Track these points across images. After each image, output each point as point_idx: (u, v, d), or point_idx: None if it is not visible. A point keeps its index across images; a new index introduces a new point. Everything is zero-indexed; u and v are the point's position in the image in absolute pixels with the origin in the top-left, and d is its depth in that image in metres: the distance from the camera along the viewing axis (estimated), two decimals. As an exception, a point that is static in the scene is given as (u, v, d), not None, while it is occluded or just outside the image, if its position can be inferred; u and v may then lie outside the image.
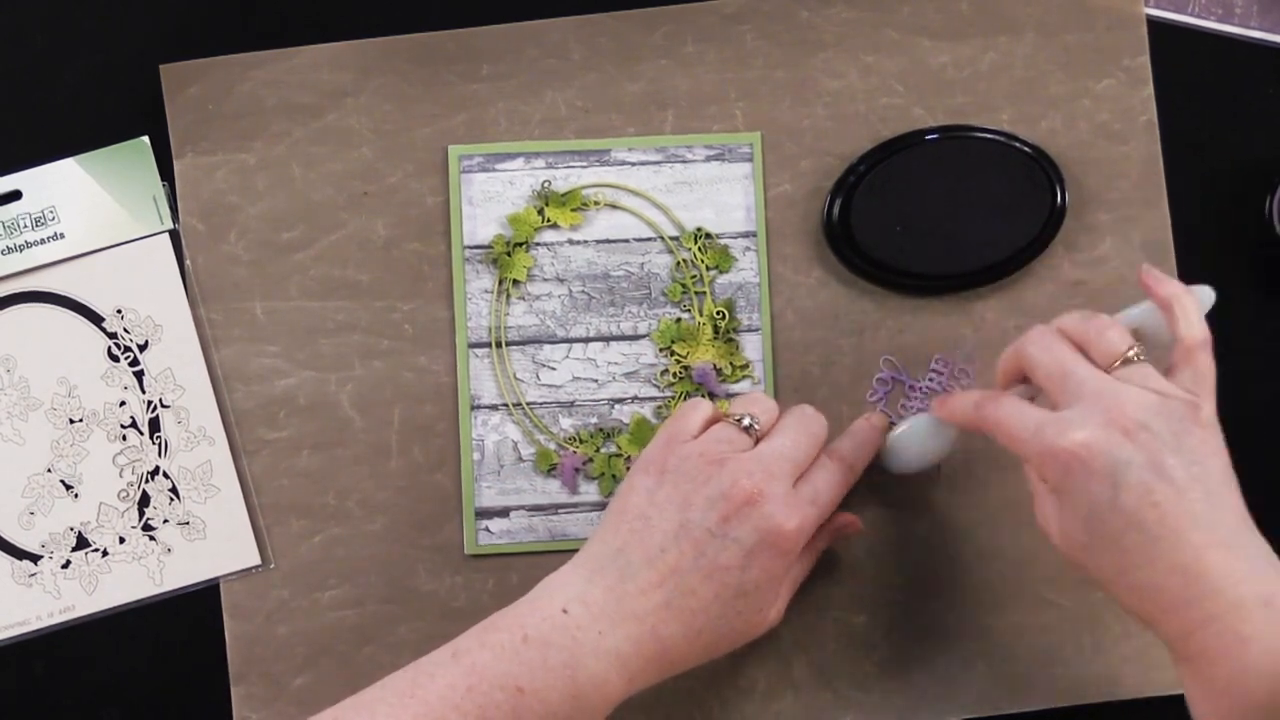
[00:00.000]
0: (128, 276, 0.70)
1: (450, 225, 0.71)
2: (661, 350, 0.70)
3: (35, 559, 0.69)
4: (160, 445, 0.70)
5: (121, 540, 0.70)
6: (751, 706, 0.69)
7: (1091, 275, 0.71)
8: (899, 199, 0.67)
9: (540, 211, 0.71)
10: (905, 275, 0.69)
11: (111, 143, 0.71)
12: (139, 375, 0.70)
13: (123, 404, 0.70)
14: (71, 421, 0.70)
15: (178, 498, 0.70)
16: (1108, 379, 0.56)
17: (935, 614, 0.69)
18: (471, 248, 0.71)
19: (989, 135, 0.70)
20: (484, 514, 0.70)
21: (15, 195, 0.70)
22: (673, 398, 0.70)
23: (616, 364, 0.70)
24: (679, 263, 0.71)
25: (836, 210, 0.69)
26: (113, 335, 0.70)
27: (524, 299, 0.71)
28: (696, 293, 0.71)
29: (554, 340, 0.70)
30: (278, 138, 0.71)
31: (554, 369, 0.70)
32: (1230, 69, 0.72)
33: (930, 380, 0.70)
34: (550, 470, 0.70)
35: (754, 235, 0.71)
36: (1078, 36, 0.71)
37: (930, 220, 0.69)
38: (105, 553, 0.70)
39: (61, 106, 0.72)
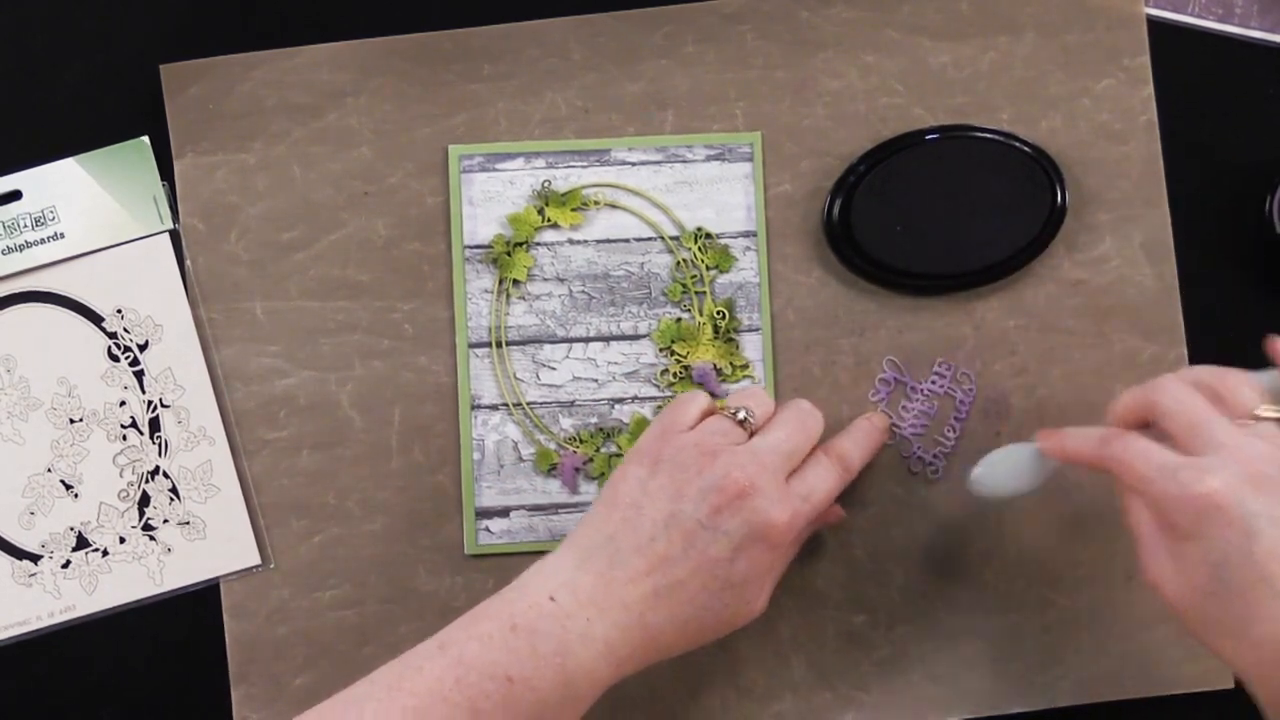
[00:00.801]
0: (128, 276, 0.70)
1: (450, 225, 0.71)
2: (662, 350, 0.70)
3: (35, 559, 0.69)
4: (160, 445, 0.70)
5: (121, 540, 0.70)
6: (752, 706, 0.69)
7: (1091, 275, 0.71)
8: (899, 199, 0.67)
9: (540, 211, 0.71)
10: (905, 275, 0.69)
11: (111, 143, 0.71)
12: (139, 375, 0.70)
13: (123, 404, 0.70)
14: (71, 421, 0.70)
15: (178, 498, 0.70)
16: (1242, 433, 0.56)
17: (935, 614, 0.69)
18: (471, 247, 0.71)
19: (989, 135, 0.70)
20: (484, 514, 0.70)
21: (15, 195, 0.70)
22: (672, 398, 0.70)
23: (617, 364, 0.70)
24: (679, 262, 0.71)
25: (836, 210, 0.69)
26: (113, 335, 0.70)
27: (524, 299, 0.71)
28: (697, 292, 0.71)
29: (554, 340, 0.70)
30: (278, 138, 0.71)
31: (554, 369, 0.70)
32: (1230, 69, 0.72)
33: (932, 383, 0.70)
34: (550, 470, 0.70)
35: (754, 235, 0.71)
36: (1078, 36, 0.71)
37: (931, 220, 0.69)
38: (105, 553, 0.70)
39: (61, 106, 0.72)
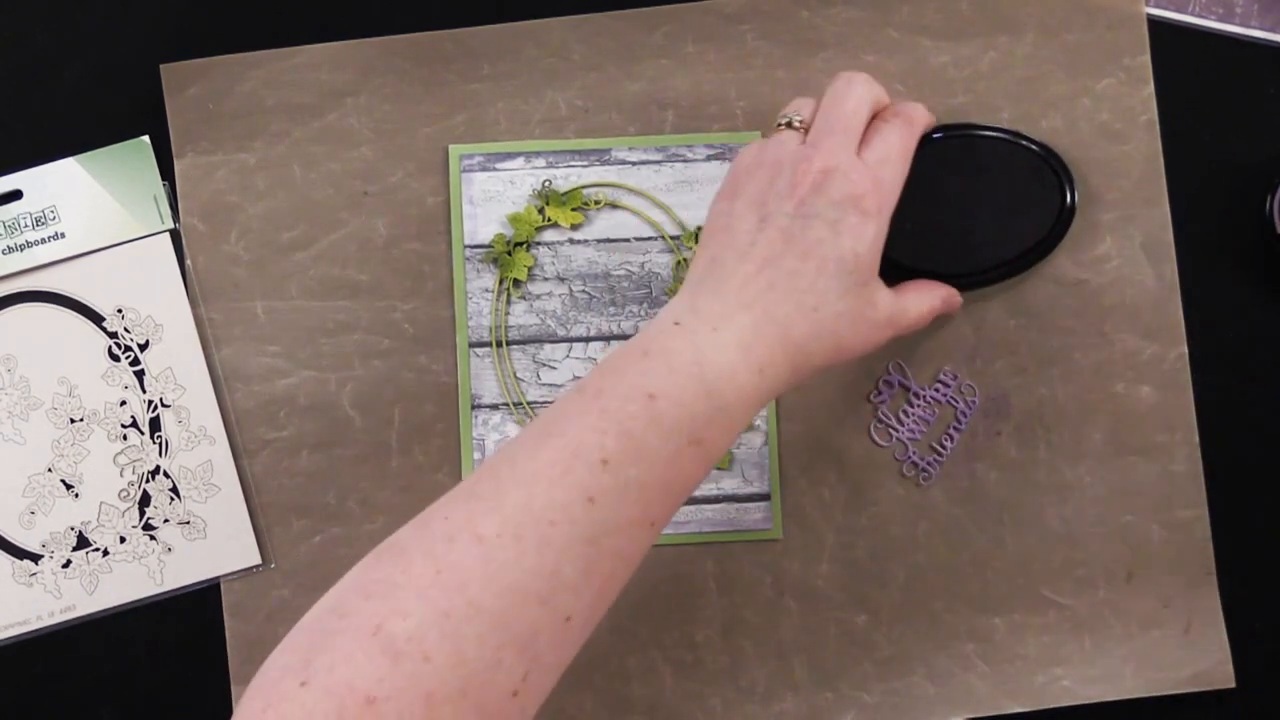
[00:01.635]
0: (128, 276, 0.70)
1: (450, 225, 0.71)
2: (662, 350, 0.70)
3: (36, 559, 0.69)
4: (161, 445, 0.70)
5: (122, 540, 0.70)
6: (752, 707, 0.69)
7: (1092, 275, 0.71)
8: (907, 197, 0.67)
9: (541, 211, 0.71)
10: (914, 274, 0.69)
11: (111, 142, 0.71)
12: (139, 375, 0.70)
13: (123, 403, 0.70)
14: (72, 421, 0.70)
15: (178, 497, 0.70)
16: None
17: (935, 614, 0.69)
18: (472, 247, 0.71)
19: (996, 134, 0.70)
20: (484, 514, 0.69)
21: (15, 195, 0.70)
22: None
23: (617, 363, 0.70)
24: (680, 262, 0.71)
25: None
26: (113, 335, 0.70)
27: (524, 298, 0.71)
28: (697, 292, 0.70)
29: (555, 339, 0.70)
30: (278, 138, 0.71)
31: (555, 368, 0.70)
32: (1230, 69, 0.72)
33: (935, 390, 0.70)
34: (551, 470, 0.70)
35: (754, 235, 0.71)
36: (1078, 36, 0.72)
37: (940, 219, 0.69)
38: (106, 552, 0.70)
39: (61, 106, 0.72)
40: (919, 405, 0.70)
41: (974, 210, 0.69)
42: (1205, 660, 0.69)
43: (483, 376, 0.70)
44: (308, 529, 0.70)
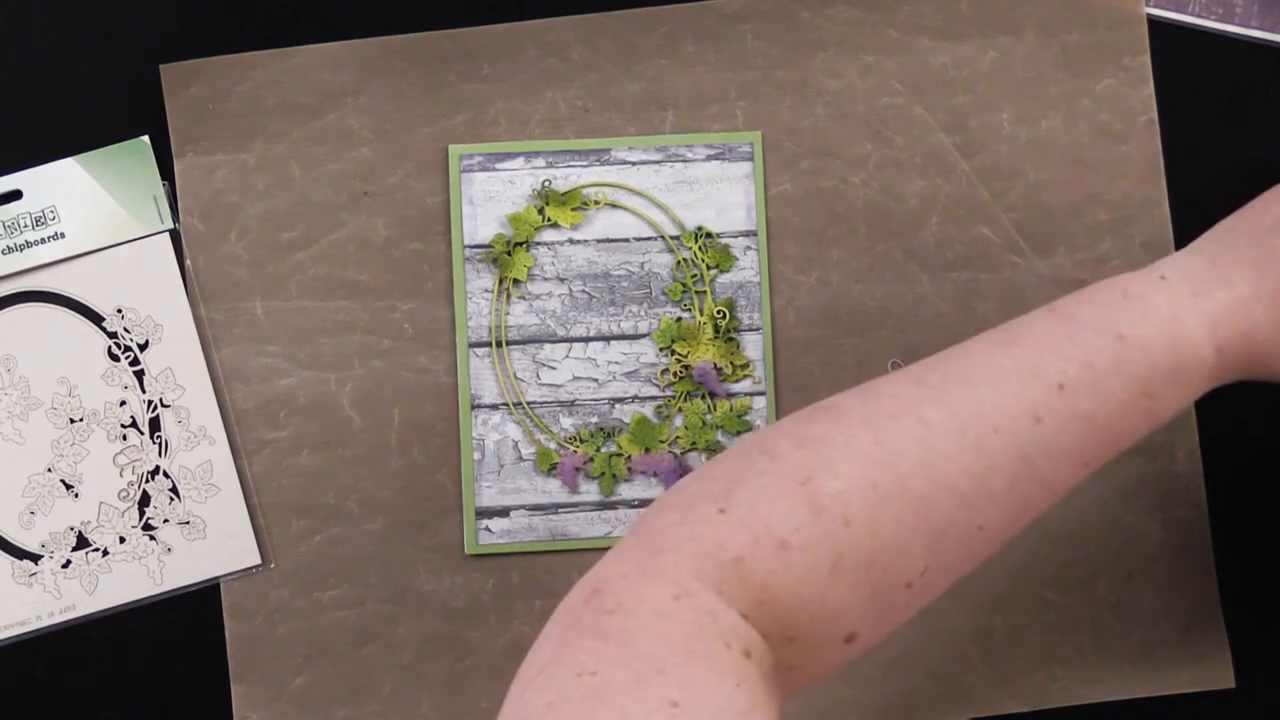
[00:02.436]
0: (128, 276, 0.70)
1: (450, 225, 0.71)
2: (662, 349, 0.70)
3: (35, 559, 0.69)
4: (160, 445, 0.70)
5: (122, 540, 0.70)
6: (752, 706, 0.69)
7: (1092, 275, 0.71)
8: None
9: (540, 211, 0.71)
10: None
11: (111, 142, 0.71)
12: (139, 375, 0.70)
13: (123, 404, 0.70)
14: (72, 421, 0.70)
15: (178, 497, 0.70)
16: None
17: (935, 614, 0.69)
18: (471, 247, 0.71)
19: None
20: (484, 514, 0.70)
21: (15, 195, 0.70)
22: (673, 397, 0.70)
23: (617, 363, 0.70)
24: (679, 262, 0.71)
25: None
26: (113, 335, 0.70)
27: (524, 298, 0.71)
28: (697, 292, 0.71)
29: (554, 340, 0.70)
30: (277, 138, 0.71)
31: (554, 368, 0.70)
32: (1230, 69, 0.72)
33: None
34: (551, 470, 0.70)
35: (754, 234, 0.71)
36: (1078, 36, 0.72)
37: None
38: (105, 552, 0.70)
39: (61, 106, 0.72)
40: None
41: None
42: (1205, 660, 0.69)
43: (482, 376, 0.70)
44: (307, 529, 0.70)
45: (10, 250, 0.70)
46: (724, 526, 0.47)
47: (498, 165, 0.71)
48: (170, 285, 0.71)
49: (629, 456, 0.70)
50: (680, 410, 0.70)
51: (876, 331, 0.71)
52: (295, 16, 0.72)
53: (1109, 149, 0.71)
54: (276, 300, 0.71)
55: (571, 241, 0.71)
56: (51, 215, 0.70)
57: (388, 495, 0.70)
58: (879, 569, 0.48)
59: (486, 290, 0.71)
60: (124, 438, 0.70)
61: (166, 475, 0.70)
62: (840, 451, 0.49)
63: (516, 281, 0.71)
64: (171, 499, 0.70)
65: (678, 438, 0.70)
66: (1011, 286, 0.71)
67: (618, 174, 0.71)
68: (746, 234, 0.71)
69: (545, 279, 0.71)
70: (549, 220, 0.71)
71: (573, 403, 0.70)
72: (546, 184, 0.71)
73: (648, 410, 0.70)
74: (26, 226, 0.70)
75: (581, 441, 0.70)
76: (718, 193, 0.71)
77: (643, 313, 0.70)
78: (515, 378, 0.70)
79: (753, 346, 0.70)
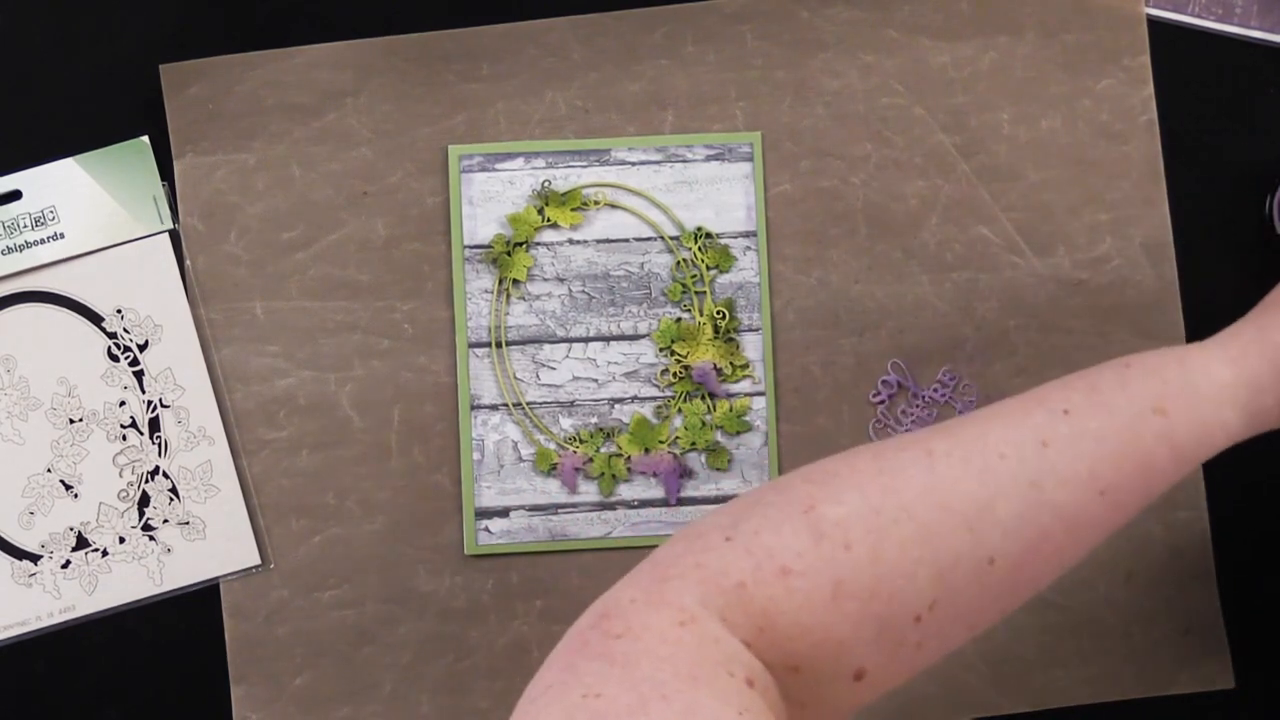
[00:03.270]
0: (128, 276, 0.70)
1: (450, 225, 0.71)
2: (662, 350, 0.70)
3: (35, 559, 0.69)
4: (160, 445, 0.70)
5: (121, 540, 0.70)
6: (752, 706, 0.69)
7: (1092, 275, 0.71)
8: None
9: (540, 211, 0.71)
10: None
11: (111, 143, 0.71)
12: (139, 375, 0.70)
13: (123, 404, 0.70)
14: (71, 421, 0.70)
15: (178, 498, 0.70)
16: None
17: (935, 614, 0.69)
18: (471, 247, 0.71)
19: None
20: (484, 514, 0.70)
21: (15, 195, 0.70)
22: (672, 398, 0.70)
23: (617, 364, 0.70)
24: (679, 262, 0.71)
25: None
26: (113, 335, 0.70)
27: (524, 299, 0.71)
28: (697, 292, 0.71)
29: (554, 340, 0.70)
30: (277, 138, 0.71)
31: (554, 369, 0.70)
32: (1230, 69, 0.72)
33: (934, 390, 0.70)
34: (550, 470, 0.70)
35: (754, 235, 0.71)
36: (1078, 36, 0.71)
37: None
38: (105, 553, 0.70)
39: (61, 106, 0.72)
40: (919, 405, 0.70)
41: None
42: (1205, 660, 0.69)
43: (482, 377, 0.70)
44: (307, 529, 0.70)
45: (10, 250, 0.70)
46: (729, 553, 0.47)
47: (498, 165, 0.71)
48: (170, 285, 0.71)
49: (629, 457, 0.70)
50: (680, 410, 0.70)
51: (876, 331, 0.71)
52: (295, 16, 0.72)
53: (1109, 149, 0.71)
54: (276, 300, 0.71)
55: (571, 242, 0.71)
56: (51, 215, 0.70)
57: (388, 495, 0.70)
58: (883, 599, 0.48)
59: (486, 290, 0.71)
60: (124, 438, 0.70)
61: (166, 475, 0.70)
62: (845, 481, 0.50)
63: (516, 282, 0.71)
64: (171, 499, 0.70)
65: (677, 438, 0.70)
66: (1011, 286, 0.71)
67: (618, 174, 0.71)
68: (746, 234, 0.71)
69: (545, 279, 0.71)
70: (549, 220, 0.71)
71: (572, 403, 0.70)
72: (546, 184, 0.71)
73: (647, 411, 0.70)
74: (26, 226, 0.70)
75: (581, 442, 0.70)
76: (718, 193, 0.71)
77: (642, 313, 0.70)
78: (515, 378, 0.70)
79: (752, 347, 0.70)
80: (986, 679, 0.69)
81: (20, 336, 0.70)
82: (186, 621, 0.70)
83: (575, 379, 0.70)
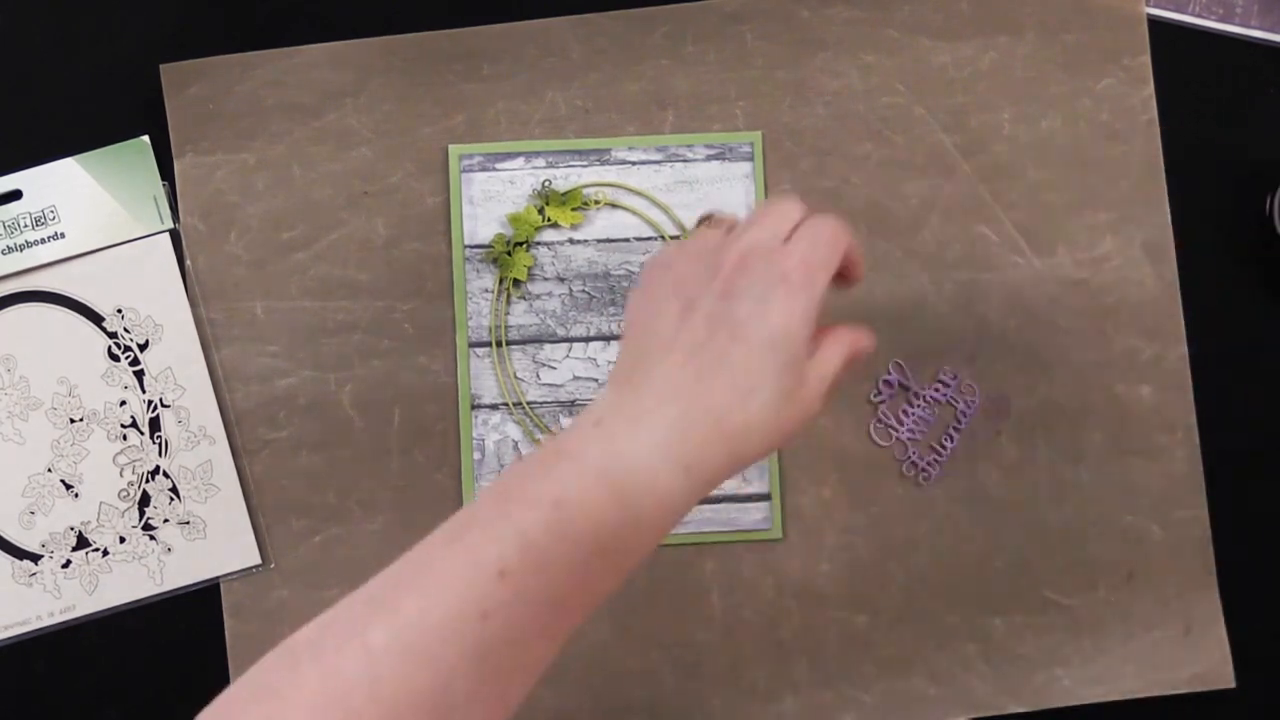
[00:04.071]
0: (128, 276, 0.70)
1: (450, 225, 0.71)
2: (662, 350, 0.70)
3: (35, 559, 0.69)
4: (160, 445, 0.70)
5: (122, 540, 0.70)
6: (753, 707, 0.69)
7: (1091, 275, 0.71)
8: None
9: (541, 211, 0.71)
10: None
11: (111, 142, 0.71)
12: (139, 375, 0.70)
13: (123, 404, 0.70)
14: (72, 421, 0.70)
15: (178, 497, 0.70)
16: None
17: (935, 614, 0.69)
18: (472, 247, 0.71)
19: None
20: (484, 514, 0.69)
21: (15, 195, 0.70)
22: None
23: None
24: (679, 262, 0.71)
25: None
26: (113, 335, 0.70)
27: (524, 298, 0.71)
28: (697, 292, 0.70)
29: (554, 339, 0.70)
30: (277, 137, 0.71)
31: (554, 368, 0.70)
32: (1230, 69, 0.72)
33: (935, 390, 0.70)
34: (550, 470, 0.70)
35: (754, 235, 0.70)
36: (1078, 36, 0.72)
37: None
38: (105, 552, 0.70)
39: (61, 106, 0.72)
40: (919, 405, 0.70)
41: None
42: (1205, 660, 0.69)
43: (482, 376, 0.70)
44: (307, 529, 0.70)
45: (10, 250, 0.70)
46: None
47: (498, 165, 0.71)
48: (170, 285, 0.71)
49: (629, 456, 0.70)
50: (680, 410, 0.70)
51: (876, 331, 0.70)
52: (295, 16, 0.72)
53: (1109, 149, 0.71)
54: (276, 300, 0.71)
55: (571, 241, 0.71)
56: (51, 215, 0.70)
57: (388, 495, 0.70)
58: None
59: (486, 290, 0.71)
60: (124, 438, 0.70)
61: (166, 475, 0.70)
62: (291, 699, 0.49)
63: (516, 281, 0.71)
64: (171, 499, 0.70)
65: (678, 438, 0.70)
66: (1011, 286, 0.71)
67: (618, 174, 0.71)
68: (746, 234, 0.71)
69: (545, 279, 0.71)
70: (549, 220, 0.71)
71: (573, 403, 0.70)
72: (546, 184, 0.71)
73: (648, 410, 0.70)
74: (26, 226, 0.70)
75: (581, 441, 0.70)
76: (718, 192, 0.71)
77: (643, 313, 0.70)
78: (515, 378, 0.70)
79: (753, 346, 0.70)
80: (987, 678, 0.69)
81: (20, 336, 0.70)
82: (186, 621, 0.70)
83: (576, 379, 0.70)
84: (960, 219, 0.71)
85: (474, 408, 0.70)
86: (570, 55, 0.72)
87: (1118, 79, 0.71)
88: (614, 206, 0.71)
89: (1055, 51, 0.72)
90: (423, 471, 0.70)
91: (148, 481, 0.70)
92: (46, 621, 0.69)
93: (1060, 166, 0.71)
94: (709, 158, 0.71)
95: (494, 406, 0.70)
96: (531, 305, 0.71)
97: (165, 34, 0.72)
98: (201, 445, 0.70)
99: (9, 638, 0.69)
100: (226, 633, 0.69)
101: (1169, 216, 0.71)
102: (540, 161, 0.71)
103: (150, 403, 0.70)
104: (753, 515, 0.70)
